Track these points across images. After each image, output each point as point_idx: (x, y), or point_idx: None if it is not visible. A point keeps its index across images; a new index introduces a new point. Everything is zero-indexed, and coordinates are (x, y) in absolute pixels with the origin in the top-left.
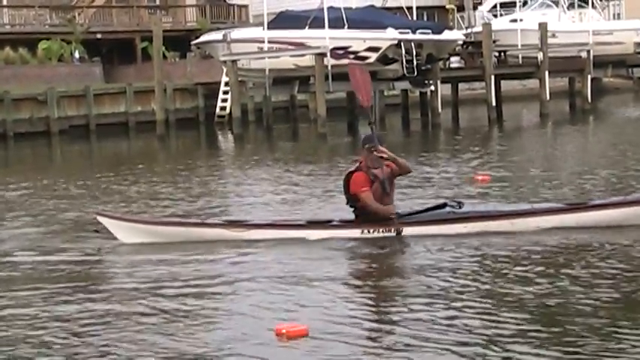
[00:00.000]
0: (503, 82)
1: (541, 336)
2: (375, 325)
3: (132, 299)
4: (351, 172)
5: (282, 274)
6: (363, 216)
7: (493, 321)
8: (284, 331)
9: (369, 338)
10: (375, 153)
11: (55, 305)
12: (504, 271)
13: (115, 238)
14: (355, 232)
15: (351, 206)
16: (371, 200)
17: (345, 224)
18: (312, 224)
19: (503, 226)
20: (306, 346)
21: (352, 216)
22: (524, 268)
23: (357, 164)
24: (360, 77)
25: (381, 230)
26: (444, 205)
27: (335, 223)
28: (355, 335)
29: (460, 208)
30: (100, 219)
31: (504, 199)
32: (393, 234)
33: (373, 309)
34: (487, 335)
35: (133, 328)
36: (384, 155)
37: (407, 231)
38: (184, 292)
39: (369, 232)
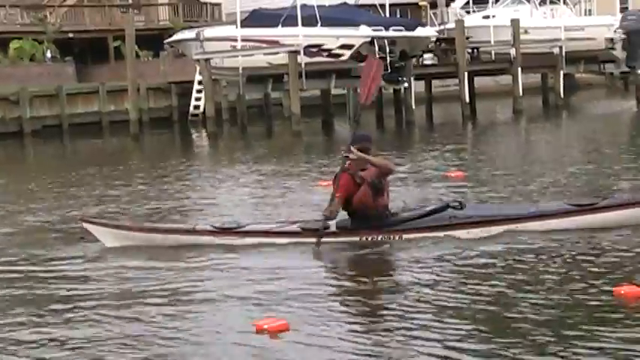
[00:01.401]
0: (476, 79)
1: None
2: (356, 322)
3: (114, 300)
4: (338, 173)
5: (265, 274)
6: (357, 219)
7: (479, 324)
8: (265, 326)
9: (350, 334)
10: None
11: (39, 312)
12: (500, 276)
13: (98, 241)
14: (353, 240)
15: (343, 209)
16: (337, 207)
17: (342, 232)
18: (308, 232)
19: (507, 230)
20: (287, 341)
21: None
22: (525, 275)
23: (347, 164)
24: (376, 72)
25: (380, 237)
26: (446, 207)
27: (332, 230)
28: (336, 331)
29: (462, 209)
30: (86, 225)
31: (479, 195)
32: (392, 240)
33: (356, 307)
34: (469, 339)
35: (114, 328)
36: (353, 157)
37: (407, 237)
38: (166, 293)
39: (367, 239)
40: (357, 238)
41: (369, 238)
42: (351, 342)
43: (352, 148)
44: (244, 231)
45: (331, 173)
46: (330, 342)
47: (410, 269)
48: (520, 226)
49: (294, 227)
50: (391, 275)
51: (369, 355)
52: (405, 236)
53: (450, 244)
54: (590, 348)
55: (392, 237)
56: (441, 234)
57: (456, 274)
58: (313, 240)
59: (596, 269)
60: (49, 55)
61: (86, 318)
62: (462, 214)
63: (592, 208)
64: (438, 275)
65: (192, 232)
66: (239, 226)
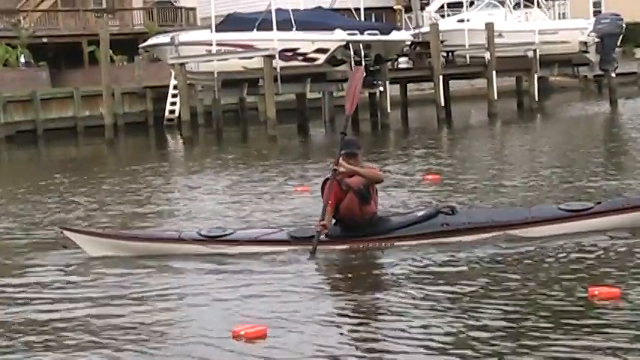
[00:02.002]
0: (451, 82)
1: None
2: (335, 330)
3: (92, 306)
4: (327, 179)
5: (248, 281)
6: (345, 227)
7: (458, 334)
8: (242, 332)
9: (329, 342)
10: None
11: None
12: (482, 283)
13: (78, 248)
14: (341, 248)
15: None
16: (329, 216)
17: (333, 240)
18: (298, 240)
19: (499, 237)
20: (263, 348)
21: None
22: (501, 281)
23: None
24: (358, 81)
25: (369, 246)
26: (437, 213)
27: (322, 239)
28: (315, 338)
29: (453, 214)
30: (67, 234)
31: (456, 198)
32: (381, 249)
33: (336, 315)
34: (444, 347)
35: (94, 335)
36: (342, 170)
37: (398, 244)
38: (145, 299)
39: (355, 248)
40: (346, 246)
41: (359, 247)
42: (328, 350)
43: (341, 161)
44: (232, 239)
45: (303, 178)
46: (307, 349)
47: (394, 279)
48: (514, 232)
49: (284, 235)
50: (375, 285)
51: None
52: (395, 244)
53: (440, 252)
54: (565, 346)
55: (382, 245)
56: (433, 242)
57: (440, 283)
58: (303, 247)
59: (570, 272)
60: (22, 60)
61: (62, 323)
62: (455, 220)
63: (588, 214)
64: (421, 284)
65: (180, 240)
66: (226, 234)
